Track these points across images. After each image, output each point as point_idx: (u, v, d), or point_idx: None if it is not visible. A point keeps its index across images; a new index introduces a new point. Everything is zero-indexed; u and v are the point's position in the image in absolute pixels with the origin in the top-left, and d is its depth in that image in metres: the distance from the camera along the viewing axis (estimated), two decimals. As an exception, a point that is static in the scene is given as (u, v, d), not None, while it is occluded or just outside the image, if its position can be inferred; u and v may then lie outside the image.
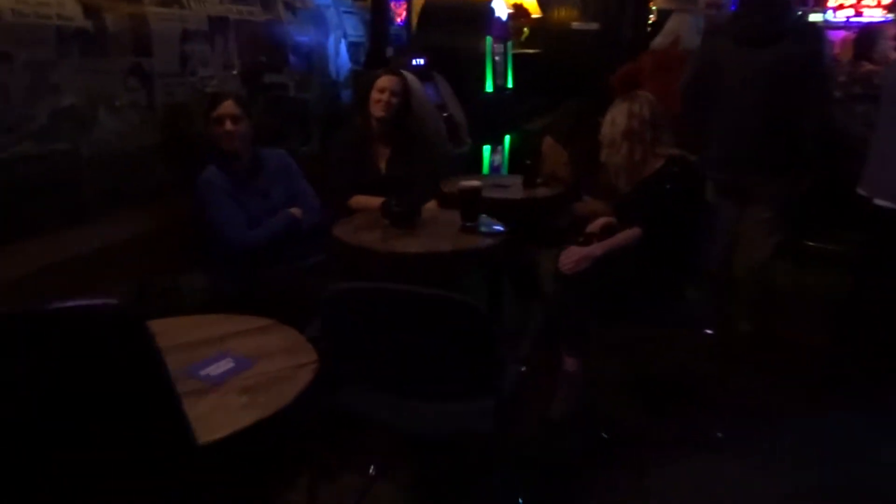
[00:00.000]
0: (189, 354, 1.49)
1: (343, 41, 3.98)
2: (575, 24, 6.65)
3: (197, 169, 2.62)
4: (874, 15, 6.60)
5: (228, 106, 2.63)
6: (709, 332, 2.62)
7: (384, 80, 3.10)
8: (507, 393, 1.93)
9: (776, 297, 3.48)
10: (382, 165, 3.13)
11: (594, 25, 6.60)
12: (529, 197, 3.27)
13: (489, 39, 4.69)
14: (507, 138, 5.10)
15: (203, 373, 1.41)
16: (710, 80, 3.17)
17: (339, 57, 3.89)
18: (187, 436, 0.98)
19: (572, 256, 2.53)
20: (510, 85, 5.24)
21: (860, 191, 3.08)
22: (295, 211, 2.74)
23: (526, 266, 3.17)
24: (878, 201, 2.98)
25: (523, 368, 2.11)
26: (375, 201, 2.79)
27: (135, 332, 0.94)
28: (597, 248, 2.56)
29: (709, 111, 3.24)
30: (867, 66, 4.39)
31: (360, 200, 3.00)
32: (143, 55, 2.55)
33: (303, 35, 3.55)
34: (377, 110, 3.07)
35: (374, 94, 3.08)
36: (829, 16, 6.77)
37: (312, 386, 1.36)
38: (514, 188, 3.36)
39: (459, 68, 4.59)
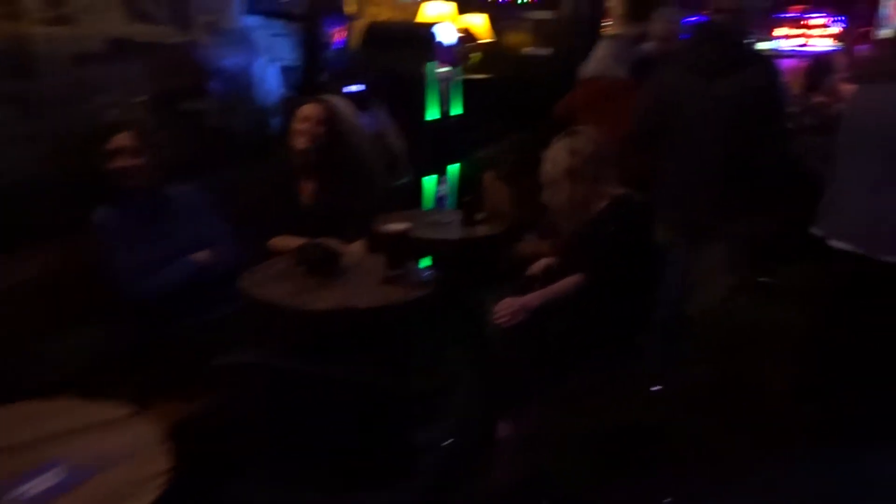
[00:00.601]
0: (15, 461, 1.19)
1: (274, 65, 3.71)
2: (526, 50, 6.48)
3: (91, 208, 2.32)
4: (823, 45, 6.61)
5: (123, 138, 2.34)
6: (656, 388, 2.41)
7: (306, 109, 2.86)
8: (426, 477, 1.68)
9: (734, 339, 3.30)
10: (307, 202, 2.87)
11: (546, 51, 6.45)
12: (468, 237, 3.03)
13: (433, 64, 4.47)
14: (455, 168, 4.87)
15: (20, 491, 1.11)
16: (665, 112, 3.01)
17: (269, 82, 3.62)
18: None
19: (507, 308, 2.29)
20: (459, 112, 5.03)
21: (815, 231, 2.92)
22: (201, 256, 2.44)
23: (468, 313, 2.92)
24: (835, 243, 2.82)
25: (450, 441, 1.84)
26: (298, 243, 2.51)
27: None
28: (534, 299, 2.33)
29: (663, 146, 3.07)
30: (819, 98, 4.30)
31: (281, 242, 2.72)
32: (22, 80, 2.25)
33: (225, 58, 3.27)
34: (299, 142, 2.82)
35: (296, 125, 2.84)
36: (776, 44, 6.75)
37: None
38: (453, 226, 3.12)
39: (402, 94, 4.35)
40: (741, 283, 3.23)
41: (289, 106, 3.62)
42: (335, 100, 3.26)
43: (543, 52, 6.46)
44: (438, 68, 4.53)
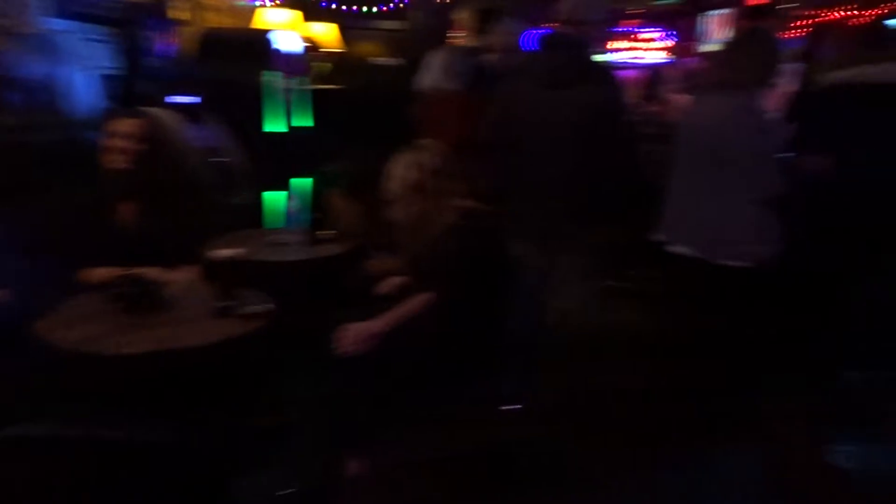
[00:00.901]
0: None
1: (89, 74, 3.33)
2: (376, 60, 6.36)
3: None
4: (655, 57, 7.00)
5: None
6: (513, 406, 2.35)
7: (124, 124, 2.56)
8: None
9: (593, 346, 3.32)
10: (126, 227, 2.56)
11: (397, 61, 6.36)
12: (312, 257, 2.84)
13: (275, 74, 4.23)
14: (304, 184, 4.63)
15: None
16: (513, 124, 2.98)
17: (80, 92, 3.23)
18: None
19: (351, 335, 2.13)
20: (308, 124, 4.80)
21: (657, 237, 3.01)
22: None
23: (312, 342, 2.72)
24: (676, 248, 2.92)
25: (290, 489, 1.65)
26: (114, 275, 2.21)
27: None
28: (379, 323, 2.19)
29: (512, 157, 3.04)
30: (654, 107, 4.51)
31: (94, 275, 2.39)
32: None
33: (24, 66, 2.87)
34: (115, 160, 2.51)
35: (112, 141, 2.53)
36: (612, 57, 7.04)
37: None
38: (296, 246, 2.92)
39: (242, 105, 4.07)
40: (596, 290, 3.25)
41: (106, 119, 3.26)
42: (160, 112, 2.97)
43: (393, 62, 6.36)
44: (281, 78, 4.30)
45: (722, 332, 2.69)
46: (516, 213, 3.00)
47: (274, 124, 4.20)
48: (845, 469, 2.19)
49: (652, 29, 7.05)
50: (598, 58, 6.74)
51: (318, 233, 3.00)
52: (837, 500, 2.17)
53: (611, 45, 6.88)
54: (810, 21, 5.93)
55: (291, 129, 4.47)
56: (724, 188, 2.71)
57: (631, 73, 5.82)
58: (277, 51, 4.28)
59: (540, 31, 3.77)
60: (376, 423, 2.18)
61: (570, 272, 3.02)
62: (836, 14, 5.94)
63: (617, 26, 6.90)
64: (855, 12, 5.77)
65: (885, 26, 3.88)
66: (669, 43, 6.97)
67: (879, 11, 5.47)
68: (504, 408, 2.43)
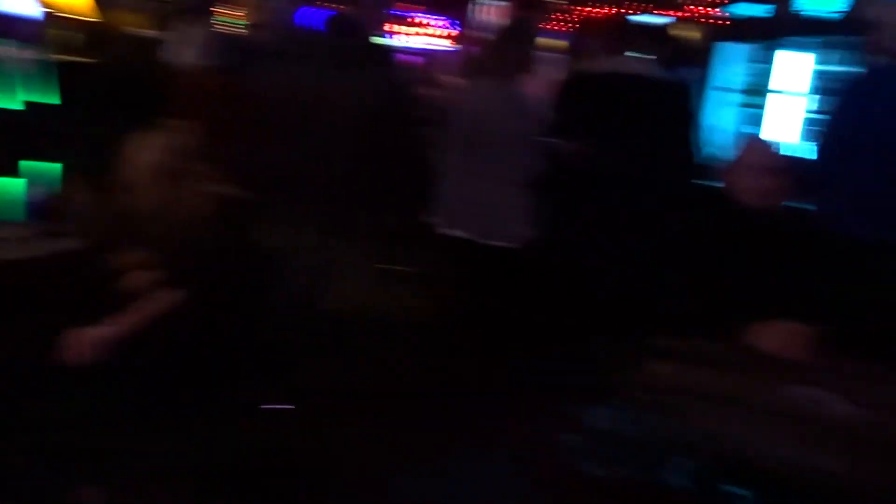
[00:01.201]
0: None
1: None
2: (134, 32, 5.78)
3: None
4: (435, 43, 7.13)
5: None
6: (283, 406, 2.21)
7: None
8: None
9: (371, 333, 3.26)
10: None
11: (155, 34, 5.84)
12: (40, 254, 2.47)
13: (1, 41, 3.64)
14: (44, 168, 4.05)
15: None
16: (290, 106, 2.85)
17: None
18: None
19: (80, 343, 1.86)
20: (53, 100, 4.21)
21: (429, 220, 3.03)
22: None
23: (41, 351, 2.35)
24: (449, 230, 2.95)
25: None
26: None
27: None
28: (115, 327, 1.94)
29: (289, 140, 2.90)
30: (430, 92, 4.56)
31: None
32: None
33: None
34: None
35: None
36: (391, 41, 7.04)
37: None
38: (22, 241, 2.52)
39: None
40: (375, 274, 3.22)
41: None
42: None
43: (153, 35, 5.83)
44: (12, 46, 3.73)
45: (490, 311, 2.76)
46: (294, 199, 2.89)
47: (1, 100, 3.62)
48: (597, 432, 2.32)
49: (430, 14, 7.16)
50: (379, 41, 6.75)
51: (50, 225, 2.60)
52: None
53: (390, 28, 6.89)
54: (578, 15, 6.40)
55: (28, 105, 3.90)
56: (489, 172, 2.80)
57: (409, 58, 5.86)
58: (2, 14, 3.68)
59: (313, 10, 3.64)
60: (118, 441, 1.92)
61: (350, 257, 2.98)
62: (600, 10, 6.47)
63: (396, 10, 6.91)
64: (615, 9, 6.33)
65: (639, 23, 4.26)
66: (446, 29, 7.13)
67: (635, 9, 6.05)
68: (271, 406, 2.29)
